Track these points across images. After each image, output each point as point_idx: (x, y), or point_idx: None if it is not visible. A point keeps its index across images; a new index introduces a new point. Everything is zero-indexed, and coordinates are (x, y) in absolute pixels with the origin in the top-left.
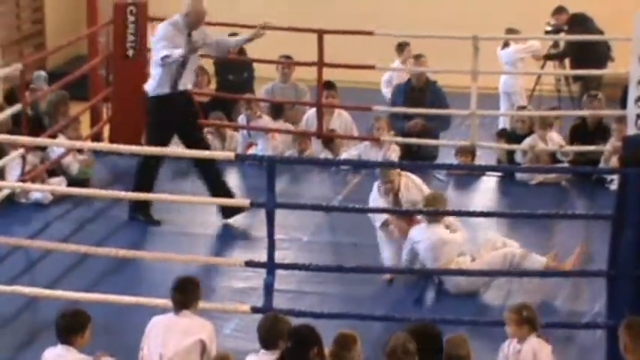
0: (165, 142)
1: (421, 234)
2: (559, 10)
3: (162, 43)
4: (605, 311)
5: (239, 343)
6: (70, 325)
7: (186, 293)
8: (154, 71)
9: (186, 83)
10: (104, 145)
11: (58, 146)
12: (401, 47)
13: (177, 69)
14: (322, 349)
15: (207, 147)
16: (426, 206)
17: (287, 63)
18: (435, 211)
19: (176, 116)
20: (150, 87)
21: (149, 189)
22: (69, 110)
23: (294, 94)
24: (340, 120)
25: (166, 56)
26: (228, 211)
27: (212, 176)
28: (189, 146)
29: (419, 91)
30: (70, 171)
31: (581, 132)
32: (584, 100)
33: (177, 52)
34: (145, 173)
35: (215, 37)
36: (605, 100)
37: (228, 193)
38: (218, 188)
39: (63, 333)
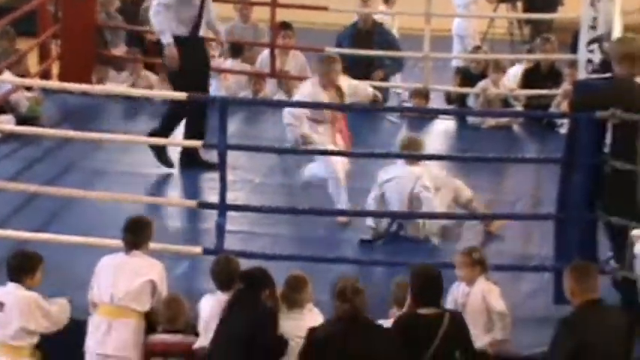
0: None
1: (391, 172)
2: None
3: None
4: (553, 254)
5: (190, 284)
6: (21, 266)
7: (138, 233)
8: None
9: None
10: (53, 84)
11: (4, 83)
12: None
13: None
14: (274, 290)
15: None
16: (402, 149)
17: (241, 2)
18: (386, 154)
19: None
20: None
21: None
22: (15, 46)
23: (253, 35)
24: (295, 61)
25: None
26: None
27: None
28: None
29: (366, 34)
30: (19, 108)
31: (534, 76)
32: (537, 43)
33: None
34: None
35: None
36: (557, 44)
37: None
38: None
39: (14, 273)
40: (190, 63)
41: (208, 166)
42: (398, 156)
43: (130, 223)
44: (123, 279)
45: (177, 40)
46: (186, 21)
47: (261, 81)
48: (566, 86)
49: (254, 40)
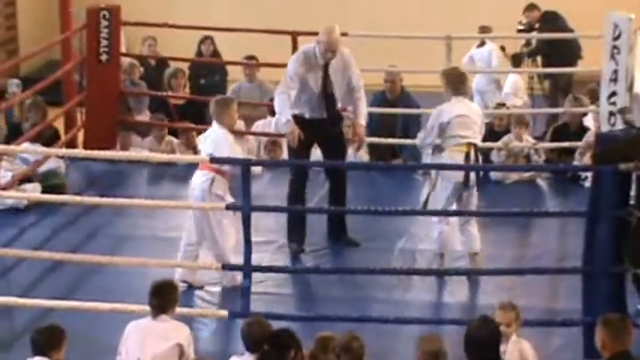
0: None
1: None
2: (530, 8)
3: None
4: (581, 308)
5: (217, 346)
6: (47, 341)
7: (164, 297)
8: None
9: None
10: (78, 152)
11: (33, 154)
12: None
13: None
14: (301, 351)
15: None
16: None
17: (261, 65)
18: (412, 212)
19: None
20: None
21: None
22: (46, 116)
23: (259, 93)
24: None
25: None
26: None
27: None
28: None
29: (391, 104)
30: (60, 171)
31: (563, 134)
32: (567, 103)
33: None
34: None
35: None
36: (587, 101)
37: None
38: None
39: (40, 348)
40: (312, 139)
41: (353, 244)
42: (420, 213)
43: (156, 288)
44: (150, 344)
45: (302, 120)
46: (311, 108)
47: (277, 147)
48: (588, 138)
49: (260, 99)
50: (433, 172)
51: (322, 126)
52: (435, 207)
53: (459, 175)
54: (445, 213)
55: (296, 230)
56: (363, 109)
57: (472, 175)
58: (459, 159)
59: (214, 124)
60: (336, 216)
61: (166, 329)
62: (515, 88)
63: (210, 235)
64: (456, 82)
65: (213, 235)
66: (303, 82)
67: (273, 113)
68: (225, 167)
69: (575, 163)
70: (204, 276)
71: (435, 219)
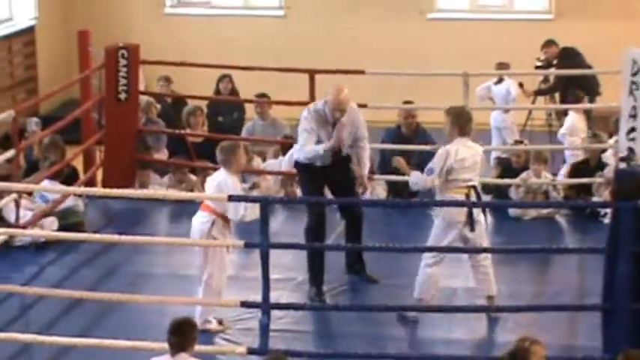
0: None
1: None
2: (548, 44)
3: None
4: (601, 345)
5: None
6: None
7: (183, 335)
8: None
9: None
10: (97, 190)
11: (52, 192)
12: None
13: None
14: None
15: None
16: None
17: (274, 102)
18: (429, 248)
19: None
20: None
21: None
22: (64, 155)
23: (273, 130)
24: None
25: None
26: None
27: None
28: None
29: (407, 140)
30: (78, 209)
31: (583, 171)
32: (587, 137)
33: None
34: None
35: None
36: (606, 137)
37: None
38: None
39: None
40: (323, 183)
41: (372, 280)
42: (430, 250)
43: (175, 326)
44: None
45: (313, 168)
46: (321, 157)
47: (293, 185)
48: (607, 173)
49: (274, 136)
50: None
51: (331, 172)
52: (433, 254)
53: (461, 216)
54: (462, 250)
55: (316, 269)
56: (367, 161)
57: (476, 216)
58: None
59: (221, 169)
60: (355, 253)
61: None
62: (573, 128)
63: (210, 272)
64: (464, 122)
65: (213, 273)
66: (316, 134)
67: (285, 152)
68: (227, 211)
69: (595, 199)
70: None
71: (425, 261)
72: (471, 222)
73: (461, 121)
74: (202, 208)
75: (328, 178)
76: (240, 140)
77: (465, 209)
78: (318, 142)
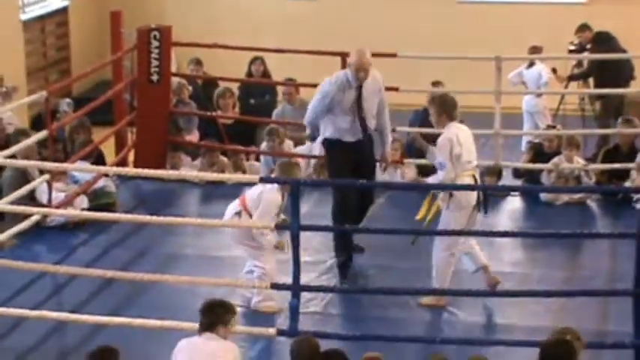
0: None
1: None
2: (582, 28)
3: None
4: (632, 330)
5: None
6: None
7: (214, 316)
8: None
9: None
10: (129, 170)
11: (84, 172)
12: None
13: None
14: None
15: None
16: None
17: (302, 85)
18: (460, 232)
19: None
20: None
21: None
22: (91, 136)
23: (302, 114)
24: None
25: None
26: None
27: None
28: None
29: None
30: (109, 190)
31: (614, 155)
32: (618, 125)
33: None
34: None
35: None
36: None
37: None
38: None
39: None
40: (351, 163)
41: (358, 250)
42: (462, 233)
43: (206, 306)
44: None
45: (338, 143)
46: (347, 130)
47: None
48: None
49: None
50: (441, 200)
51: (360, 148)
52: (443, 237)
53: (473, 200)
54: (490, 234)
55: (343, 246)
56: (389, 136)
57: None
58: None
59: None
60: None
61: (215, 348)
62: None
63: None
64: (450, 108)
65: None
66: (338, 105)
67: (313, 139)
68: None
69: (627, 184)
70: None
71: (438, 252)
72: (484, 204)
73: (447, 108)
74: (239, 198)
75: (355, 155)
76: (271, 123)
77: (473, 195)
78: (339, 111)
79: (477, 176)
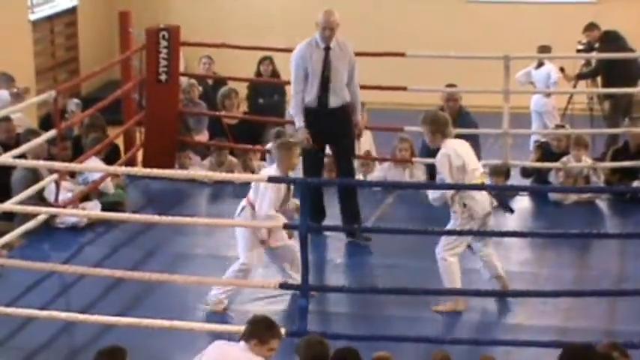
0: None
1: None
2: (590, 27)
3: None
4: None
5: None
6: None
7: (253, 328)
8: None
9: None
10: (138, 170)
11: (93, 171)
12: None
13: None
14: None
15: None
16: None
17: None
18: (469, 232)
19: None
20: None
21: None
22: (106, 133)
23: None
24: (368, 140)
25: None
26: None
27: (346, 199)
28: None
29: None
30: (106, 190)
31: (623, 155)
32: (625, 123)
33: None
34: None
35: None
36: None
37: (356, 216)
38: (347, 210)
39: None
40: (319, 133)
41: (367, 240)
42: (470, 233)
43: (253, 318)
44: None
45: (307, 110)
46: (312, 95)
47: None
48: None
49: None
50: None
51: (328, 114)
52: (452, 242)
53: (487, 207)
54: (499, 234)
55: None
56: (360, 105)
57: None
58: (482, 192)
59: (274, 165)
60: (350, 216)
61: (237, 358)
62: None
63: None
64: (443, 127)
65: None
66: (306, 68)
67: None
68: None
69: (635, 183)
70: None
71: (438, 258)
72: (504, 206)
73: (439, 126)
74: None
75: (324, 122)
76: (280, 123)
77: (487, 202)
78: (306, 74)
79: (487, 182)
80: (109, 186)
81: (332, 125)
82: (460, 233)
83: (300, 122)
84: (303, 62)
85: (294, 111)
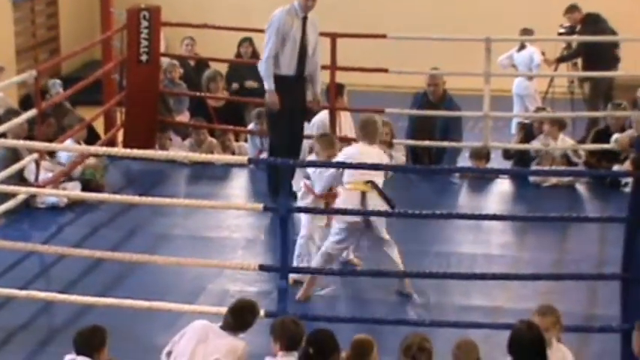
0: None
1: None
2: (571, 9)
3: None
4: (619, 315)
5: (253, 346)
6: (90, 342)
7: (240, 321)
8: None
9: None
10: (117, 150)
11: (72, 152)
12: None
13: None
14: (339, 356)
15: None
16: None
17: None
18: (448, 215)
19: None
20: None
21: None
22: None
23: None
24: (348, 122)
25: None
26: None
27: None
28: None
29: (433, 106)
30: (73, 173)
31: (604, 138)
32: (609, 108)
33: None
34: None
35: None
36: (629, 106)
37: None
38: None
39: (83, 349)
40: (287, 102)
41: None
42: (450, 217)
43: (237, 308)
44: (199, 352)
45: (279, 79)
46: (288, 63)
47: None
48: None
49: None
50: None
51: (297, 84)
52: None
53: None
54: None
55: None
56: (319, 80)
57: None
58: (355, 198)
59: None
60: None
61: (220, 345)
62: None
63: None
64: (372, 133)
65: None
66: (287, 34)
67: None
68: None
69: (615, 167)
70: None
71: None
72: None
73: (368, 132)
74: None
75: (292, 91)
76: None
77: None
78: (285, 42)
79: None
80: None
81: (303, 93)
82: (447, 217)
83: (270, 85)
84: (284, 28)
85: (265, 73)
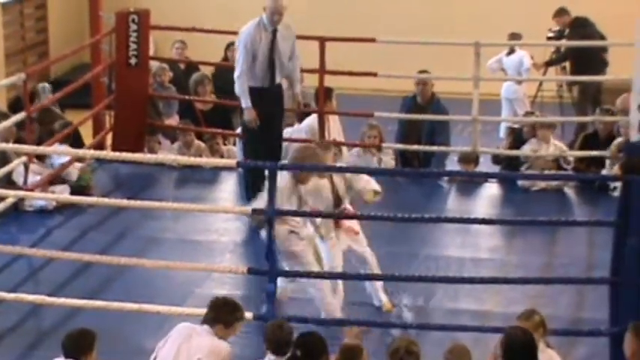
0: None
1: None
2: (560, 12)
3: None
4: (608, 318)
5: (242, 350)
6: (78, 345)
7: (216, 313)
8: None
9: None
10: (106, 153)
11: (60, 155)
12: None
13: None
14: (329, 358)
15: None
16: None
17: None
18: (437, 219)
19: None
20: None
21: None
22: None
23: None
24: (337, 127)
25: None
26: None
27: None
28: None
29: (421, 109)
30: (69, 178)
31: (593, 142)
32: (597, 113)
33: None
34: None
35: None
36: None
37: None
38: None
39: (71, 352)
40: (263, 112)
41: None
42: (439, 220)
43: (215, 302)
44: (184, 353)
45: (253, 90)
46: (260, 76)
47: None
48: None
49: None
50: None
51: (271, 95)
52: None
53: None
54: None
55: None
56: (299, 85)
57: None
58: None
59: None
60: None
61: (203, 345)
62: None
63: None
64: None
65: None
66: (255, 51)
67: (301, 120)
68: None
69: (604, 172)
70: None
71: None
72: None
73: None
74: None
75: (266, 102)
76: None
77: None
78: (254, 56)
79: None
80: (72, 173)
81: (280, 99)
82: (435, 221)
83: (247, 102)
84: (252, 45)
85: (240, 90)
